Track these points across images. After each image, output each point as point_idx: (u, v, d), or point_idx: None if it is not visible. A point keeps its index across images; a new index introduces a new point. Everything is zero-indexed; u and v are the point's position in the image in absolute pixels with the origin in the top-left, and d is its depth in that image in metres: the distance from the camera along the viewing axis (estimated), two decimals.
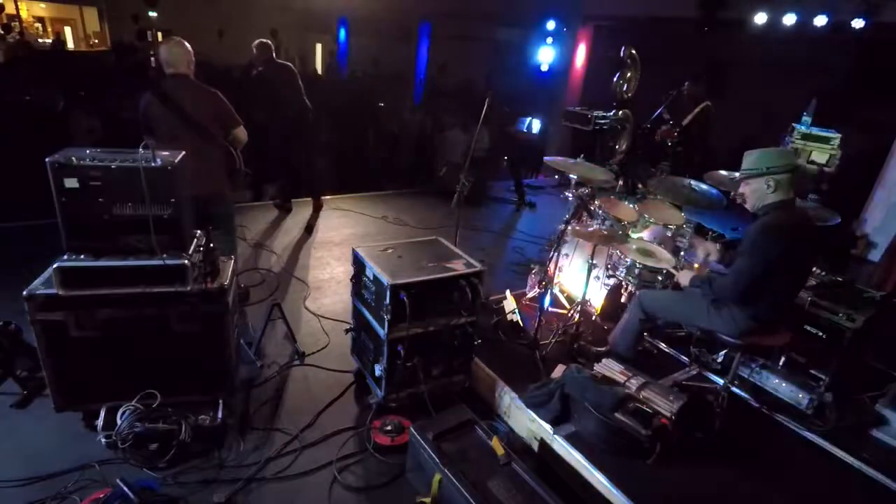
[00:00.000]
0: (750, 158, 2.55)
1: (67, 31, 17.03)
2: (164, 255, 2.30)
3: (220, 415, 2.53)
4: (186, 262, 2.33)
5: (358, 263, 2.77)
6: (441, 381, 2.81)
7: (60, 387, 2.40)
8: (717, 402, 2.79)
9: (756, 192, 2.53)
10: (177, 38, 3.25)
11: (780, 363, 3.05)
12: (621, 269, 3.58)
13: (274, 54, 5.04)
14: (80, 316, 2.29)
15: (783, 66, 8.18)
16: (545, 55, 7.17)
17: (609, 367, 2.83)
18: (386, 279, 2.43)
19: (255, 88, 5.13)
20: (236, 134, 3.42)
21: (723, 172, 3.52)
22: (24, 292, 2.22)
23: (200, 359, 2.51)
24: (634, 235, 3.71)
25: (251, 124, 3.58)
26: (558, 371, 2.94)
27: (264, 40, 5.01)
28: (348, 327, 3.01)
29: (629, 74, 6.68)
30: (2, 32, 11.19)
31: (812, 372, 2.92)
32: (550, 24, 9.43)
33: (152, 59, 11.06)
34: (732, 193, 3.44)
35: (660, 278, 3.43)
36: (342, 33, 14.61)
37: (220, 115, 3.32)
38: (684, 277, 2.82)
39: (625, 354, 3.03)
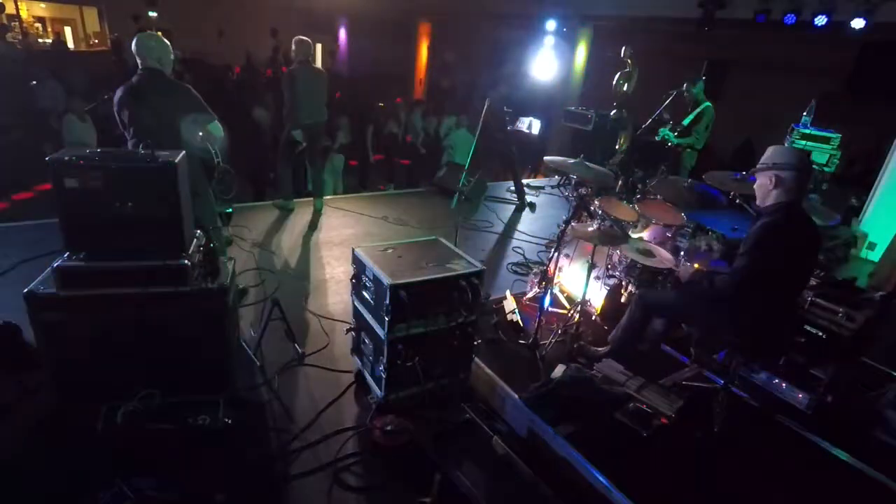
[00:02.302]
0: (765, 153, 2.56)
1: (67, 31, 17.04)
2: (165, 256, 2.30)
3: (220, 415, 2.53)
4: (186, 262, 2.33)
5: (358, 263, 2.77)
6: (441, 381, 2.81)
7: (60, 386, 2.40)
8: (717, 402, 2.79)
9: (760, 188, 2.54)
10: (151, 32, 3.21)
11: (780, 363, 3.04)
12: (621, 269, 3.58)
13: (311, 57, 5.06)
14: (80, 316, 2.29)
15: (783, 66, 8.19)
16: (544, 64, 7.25)
17: (609, 367, 2.83)
18: (386, 279, 2.43)
19: (283, 85, 5.12)
20: (211, 129, 3.31)
21: (723, 172, 3.52)
22: (24, 292, 2.22)
23: (200, 359, 2.51)
24: (634, 235, 3.71)
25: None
26: (558, 371, 2.94)
27: (306, 39, 5.02)
28: (348, 327, 3.01)
29: (629, 74, 6.69)
30: None
31: (812, 372, 2.92)
32: (550, 25, 9.43)
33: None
34: (732, 193, 3.46)
35: (660, 278, 3.43)
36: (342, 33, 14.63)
37: (192, 111, 3.23)
38: (684, 272, 2.82)
39: (625, 354, 3.03)
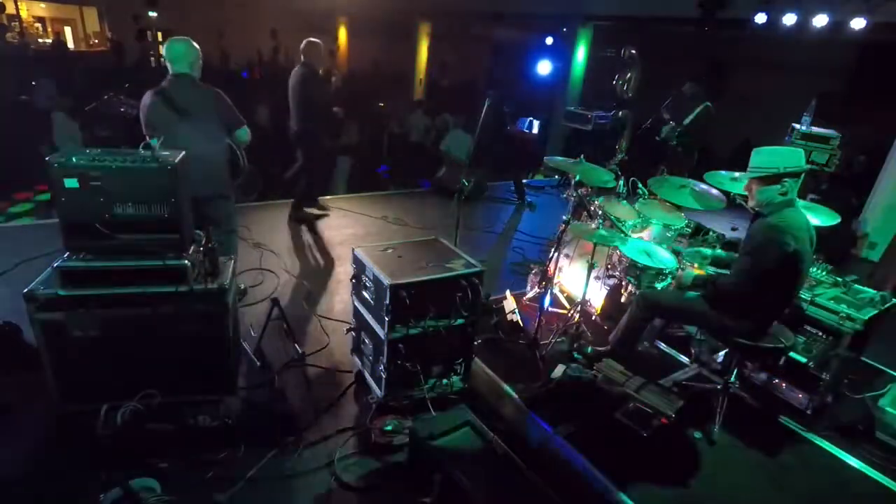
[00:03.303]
0: (763, 156, 2.48)
1: (67, 31, 17.02)
2: (165, 256, 2.30)
3: (220, 415, 2.53)
4: (187, 262, 2.33)
5: (358, 263, 2.77)
6: (441, 381, 2.81)
7: (61, 386, 2.40)
8: (717, 402, 2.79)
9: (766, 192, 2.46)
10: (182, 36, 3.24)
11: (780, 363, 3.04)
12: (621, 269, 3.58)
13: (313, 58, 4.88)
14: (80, 316, 2.29)
15: (783, 66, 8.19)
16: (544, 63, 7.26)
17: (609, 367, 2.83)
18: (386, 279, 2.43)
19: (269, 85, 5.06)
20: (239, 134, 3.42)
21: (722, 172, 3.52)
22: (24, 292, 2.22)
23: (200, 359, 2.51)
24: (634, 235, 3.71)
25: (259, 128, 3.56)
26: (558, 371, 2.94)
27: (311, 41, 4.84)
28: (348, 327, 3.01)
29: (629, 74, 6.69)
30: None
31: (812, 372, 2.92)
32: (551, 25, 9.42)
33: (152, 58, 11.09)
34: (733, 193, 3.46)
35: (660, 278, 3.43)
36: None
37: (223, 116, 3.31)
38: (687, 277, 2.82)
39: (625, 354, 3.03)
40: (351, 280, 2.86)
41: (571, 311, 3.54)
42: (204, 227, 2.66)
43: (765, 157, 2.47)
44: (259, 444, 2.55)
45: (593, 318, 3.73)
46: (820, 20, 6.16)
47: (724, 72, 8.68)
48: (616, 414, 2.54)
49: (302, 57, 4.87)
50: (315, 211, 5.62)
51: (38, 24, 16.75)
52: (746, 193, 2.61)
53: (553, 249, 3.42)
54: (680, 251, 3.36)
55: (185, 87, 3.20)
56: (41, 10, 16.86)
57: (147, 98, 3.17)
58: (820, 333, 2.93)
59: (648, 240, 3.68)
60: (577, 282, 3.68)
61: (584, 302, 3.45)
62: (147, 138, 3.16)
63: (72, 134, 6.17)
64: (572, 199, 3.59)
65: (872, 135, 6.54)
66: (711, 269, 2.87)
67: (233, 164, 3.44)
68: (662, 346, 3.46)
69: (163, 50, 3.24)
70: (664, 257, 3.39)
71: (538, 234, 5.72)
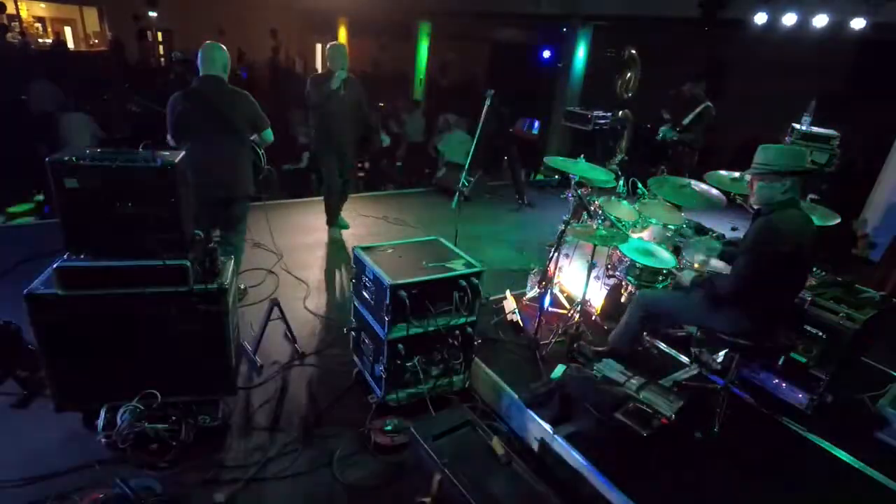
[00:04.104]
0: (768, 154, 2.46)
1: (67, 31, 17.02)
2: (165, 256, 2.30)
3: (220, 415, 2.53)
4: (187, 262, 2.33)
5: (358, 263, 2.77)
6: (441, 381, 2.81)
7: (60, 387, 2.40)
8: (717, 402, 2.79)
9: (767, 189, 2.45)
10: (214, 42, 3.31)
11: (780, 363, 3.04)
12: (621, 269, 3.58)
13: (333, 64, 4.56)
14: (81, 316, 2.29)
15: (783, 66, 8.18)
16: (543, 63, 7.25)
17: (609, 367, 2.83)
18: (386, 279, 2.43)
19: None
20: (265, 135, 3.51)
21: (722, 172, 3.52)
22: (24, 292, 2.22)
23: (200, 359, 2.51)
24: (634, 235, 3.71)
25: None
26: (558, 371, 2.94)
27: (333, 44, 4.61)
28: (348, 327, 3.01)
29: (629, 74, 6.69)
30: None
31: (812, 372, 2.92)
32: (551, 25, 9.41)
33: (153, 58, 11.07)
34: (733, 193, 3.46)
35: (660, 278, 3.43)
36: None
37: (251, 117, 3.38)
38: (686, 277, 2.81)
39: (625, 354, 3.03)
40: (351, 280, 2.86)
41: (571, 311, 3.54)
42: (205, 226, 2.66)
43: (769, 155, 2.46)
44: (259, 445, 2.56)
45: (593, 318, 3.73)
46: (820, 20, 6.16)
47: (724, 72, 8.68)
48: (616, 414, 2.53)
49: (328, 63, 4.61)
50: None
51: (38, 24, 16.73)
52: (748, 191, 2.61)
53: (553, 249, 3.42)
54: (687, 237, 3.32)
55: (216, 89, 3.26)
56: (41, 10, 16.85)
57: (177, 101, 3.20)
58: (820, 333, 2.93)
59: (648, 240, 3.68)
60: (577, 282, 3.68)
61: (584, 302, 3.45)
62: (170, 139, 3.22)
63: (81, 134, 6.16)
64: (572, 199, 3.58)
65: (872, 135, 6.53)
66: (715, 265, 2.86)
67: (253, 164, 3.54)
68: (662, 346, 3.46)
69: (199, 54, 3.27)
70: (664, 257, 3.39)
71: (538, 234, 5.71)
